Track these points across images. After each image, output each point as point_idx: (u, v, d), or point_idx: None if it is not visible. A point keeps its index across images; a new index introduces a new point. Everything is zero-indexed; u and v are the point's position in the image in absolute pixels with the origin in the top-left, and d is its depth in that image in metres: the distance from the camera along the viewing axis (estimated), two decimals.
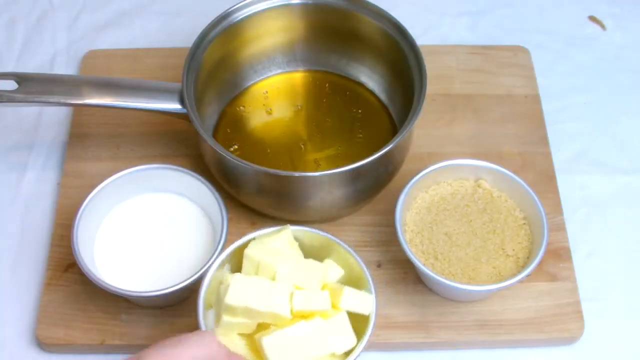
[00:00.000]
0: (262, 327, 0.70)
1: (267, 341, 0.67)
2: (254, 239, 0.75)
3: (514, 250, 0.80)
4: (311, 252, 0.76)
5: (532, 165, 0.91)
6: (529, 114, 0.96)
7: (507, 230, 0.81)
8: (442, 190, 0.84)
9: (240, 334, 0.70)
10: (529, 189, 0.81)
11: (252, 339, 0.70)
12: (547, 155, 0.93)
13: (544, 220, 0.79)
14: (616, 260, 0.88)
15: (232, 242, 0.85)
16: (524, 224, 0.82)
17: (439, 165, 0.83)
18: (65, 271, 0.84)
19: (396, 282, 0.84)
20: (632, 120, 0.98)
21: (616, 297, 0.85)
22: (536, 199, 0.81)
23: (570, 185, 0.92)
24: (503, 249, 0.80)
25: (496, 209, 0.83)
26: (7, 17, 1.06)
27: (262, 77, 0.95)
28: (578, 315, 0.82)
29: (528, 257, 0.80)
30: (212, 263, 0.77)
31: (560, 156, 0.94)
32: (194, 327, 0.80)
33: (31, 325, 0.82)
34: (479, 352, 0.82)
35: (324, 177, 0.80)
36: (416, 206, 0.83)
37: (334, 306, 0.71)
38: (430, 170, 0.83)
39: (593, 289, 0.85)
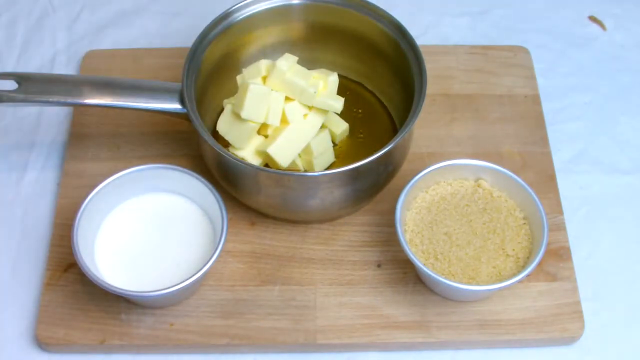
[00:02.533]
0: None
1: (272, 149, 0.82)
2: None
3: (514, 250, 0.80)
4: None
5: (532, 165, 0.91)
6: (529, 114, 0.96)
7: (507, 230, 0.81)
8: (442, 190, 0.84)
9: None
10: (529, 188, 0.81)
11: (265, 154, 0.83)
12: (547, 155, 0.93)
13: (544, 220, 0.79)
14: (616, 260, 0.88)
15: (232, 242, 0.85)
16: (524, 223, 0.82)
17: (439, 165, 0.83)
18: (65, 271, 0.84)
19: (396, 282, 0.84)
20: (632, 120, 0.98)
21: (616, 297, 0.85)
22: (536, 198, 0.81)
23: (570, 185, 0.92)
24: (503, 249, 0.80)
25: (496, 209, 0.83)
26: (7, 17, 1.06)
27: None
28: (578, 315, 0.82)
29: (528, 257, 0.80)
30: (212, 263, 0.77)
31: (560, 156, 0.94)
32: (194, 326, 0.81)
33: (31, 325, 0.82)
34: (479, 352, 0.82)
35: (324, 177, 0.80)
36: (416, 206, 0.83)
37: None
38: (430, 170, 0.83)
39: (593, 289, 0.85)
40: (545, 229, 0.79)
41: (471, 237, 0.81)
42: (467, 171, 0.84)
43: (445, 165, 0.83)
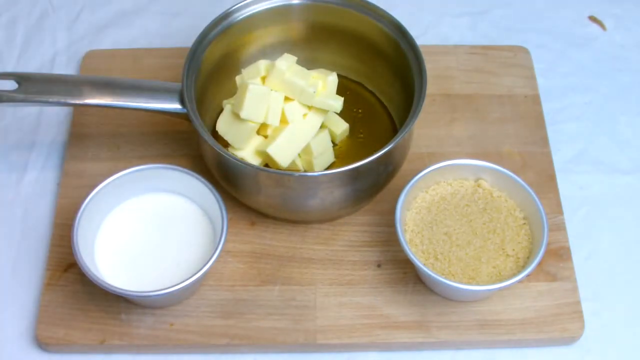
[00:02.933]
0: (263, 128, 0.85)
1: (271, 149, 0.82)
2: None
3: (514, 250, 0.80)
4: None
5: (532, 165, 0.91)
6: (529, 114, 0.96)
7: (507, 230, 0.81)
8: (442, 190, 0.84)
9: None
10: (529, 188, 0.81)
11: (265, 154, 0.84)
12: (547, 155, 0.93)
13: (544, 220, 0.79)
14: (616, 260, 0.88)
15: (232, 242, 0.85)
16: (524, 224, 0.82)
17: (439, 165, 0.83)
18: (65, 271, 0.84)
19: (396, 282, 0.84)
20: (632, 120, 0.98)
21: (616, 297, 0.85)
22: (536, 198, 0.81)
23: (570, 185, 0.92)
24: (503, 248, 0.80)
25: (496, 209, 0.83)
26: (7, 17, 1.06)
27: None
28: (578, 315, 0.82)
29: (528, 257, 0.80)
30: (212, 263, 0.77)
31: (560, 156, 0.94)
32: (194, 326, 0.81)
33: (31, 325, 0.82)
34: (479, 352, 0.82)
35: (324, 177, 0.80)
36: (416, 206, 0.83)
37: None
38: (430, 170, 0.83)
39: (593, 289, 0.85)
40: (545, 229, 0.79)
41: (471, 237, 0.81)
42: (467, 171, 0.84)
43: (445, 165, 0.83)
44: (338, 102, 0.85)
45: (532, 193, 0.81)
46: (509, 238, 0.81)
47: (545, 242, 0.78)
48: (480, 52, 1.01)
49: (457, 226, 0.82)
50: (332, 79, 0.86)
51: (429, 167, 0.83)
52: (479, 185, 0.84)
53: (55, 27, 1.05)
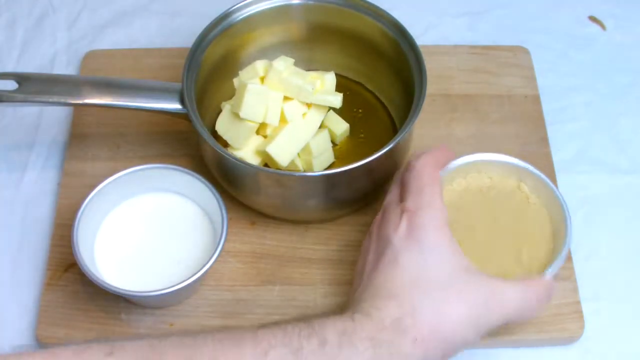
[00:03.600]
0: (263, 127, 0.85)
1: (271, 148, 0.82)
2: None
3: (529, 258, 0.77)
4: None
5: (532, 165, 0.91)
6: (529, 114, 0.96)
7: (529, 239, 0.78)
8: (480, 181, 0.81)
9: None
10: (565, 206, 0.78)
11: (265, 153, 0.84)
12: (547, 155, 0.93)
13: (568, 242, 0.76)
14: (616, 260, 0.87)
15: (232, 242, 0.85)
16: (550, 238, 0.79)
17: (484, 157, 0.81)
18: (65, 271, 0.84)
19: None
20: (632, 120, 0.98)
21: (616, 297, 0.85)
22: (569, 219, 0.77)
23: (570, 185, 0.92)
24: (518, 252, 0.78)
25: (528, 216, 0.79)
26: (7, 17, 1.06)
27: None
28: (578, 315, 0.82)
29: (541, 270, 0.76)
30: (212, 263, 0.77)
31: (560, 156, 0.94)
32: (194, 326, 0.81)
33: (31, 325, 0.82)
34: (479, 352, 0.82)
35: (324, 177, 0.80)
36: (450, 189, 0.81)
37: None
38: (474, 160, 0.80)
39: (593, 289, 0.85)
40: (564, 252, 0.76)
41: (491, 233, 0.78)
42: (510, 170, 0.81)
43: (489, 160, 0.81)
44: (337, 98, 0.85)
45: (567, 211, 0.78)
46: (528, 246, 0.78)
47: (560, 260, 0.75)
48: (480, 52, 1.01)
49: (481, 218, 0.79)
50: (330, 77, 0.86)
51: (472, 154, 0.80)
52: (518, 188, 0.82)
53: (55, 27, 1.05)
